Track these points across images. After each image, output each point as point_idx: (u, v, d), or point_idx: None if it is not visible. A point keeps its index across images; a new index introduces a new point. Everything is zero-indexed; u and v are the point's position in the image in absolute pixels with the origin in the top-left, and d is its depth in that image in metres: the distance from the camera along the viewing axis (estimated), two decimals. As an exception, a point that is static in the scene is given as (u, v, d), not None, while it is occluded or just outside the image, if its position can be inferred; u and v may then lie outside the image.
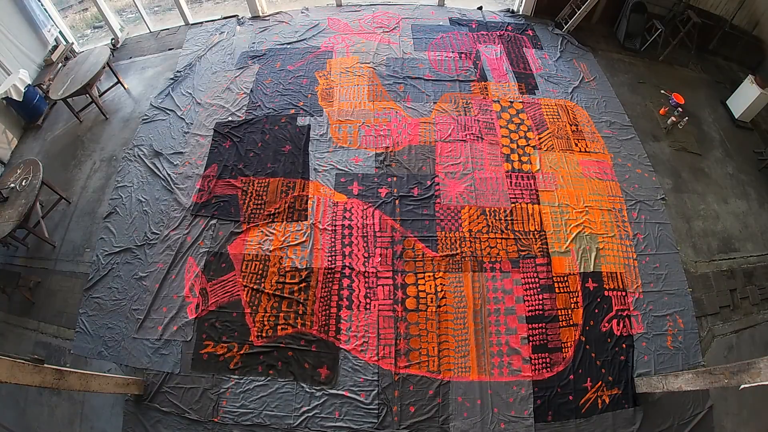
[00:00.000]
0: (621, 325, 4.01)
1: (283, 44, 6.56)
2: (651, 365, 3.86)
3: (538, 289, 4.14)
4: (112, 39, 7.23)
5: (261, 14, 7.19)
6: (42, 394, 3.98)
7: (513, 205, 4.64)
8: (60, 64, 6.60)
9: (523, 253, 4.33)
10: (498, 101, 5.60)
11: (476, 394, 3.67)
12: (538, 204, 4.67)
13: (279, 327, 3.96)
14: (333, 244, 4.41)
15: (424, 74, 5.90)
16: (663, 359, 3.90)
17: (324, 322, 3.97)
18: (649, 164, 5.16)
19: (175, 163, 5.20)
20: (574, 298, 4.13)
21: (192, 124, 5.58)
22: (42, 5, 6.70)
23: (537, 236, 4.45)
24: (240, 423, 3.61)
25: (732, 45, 6.89)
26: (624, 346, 3.93)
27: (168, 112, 5.81)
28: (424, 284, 4.15)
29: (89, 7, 8.13)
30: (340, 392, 3.67)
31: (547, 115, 5.51)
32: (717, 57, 7.06)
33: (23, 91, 5.86)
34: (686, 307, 4.18)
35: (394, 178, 4.83)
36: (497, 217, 4.55)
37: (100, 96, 6.17)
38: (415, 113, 5.44)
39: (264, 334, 3.94)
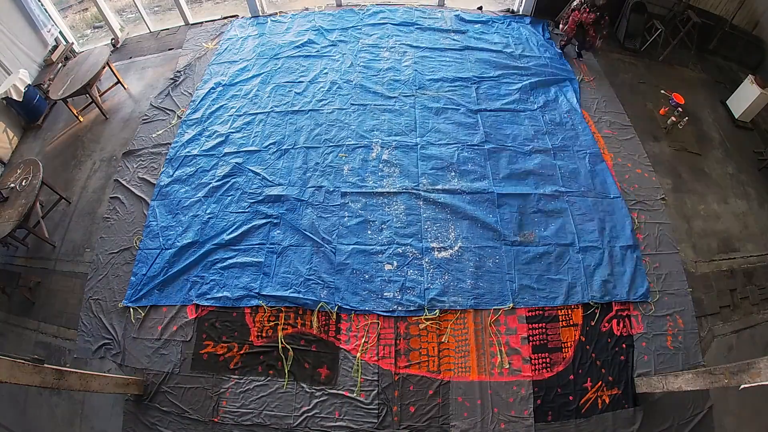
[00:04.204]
0: (621, 325, 4.00)
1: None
2: (651, 365, 3.85)
3: (538, 289, 4.13)
4: (112, 39, 7.23)
5: (261, 14, 7.19)
6: (42, 394, 3.98)
7: (513, 205, 4.63)
8: (60, 64, 6.61)
9: (523, 253, 4.32)
10: (498, 101, 5.59)
11: (476, 394, 3.66)
12: (538, 204, 4.66)
13: (279, 327, 3.97)
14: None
15: (424, 74, 5.89)
16: (663, 359, 3.90)
17: (324, 322, 3.97)
18: (649, 164, 5.16)
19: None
20: (574, 298, 4.12)
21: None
22: (42, 5, 6.69)
23: (537, 236, 4.44)
24: (240, 423, 3.61)
25: (732, 45, 6.88)
26: (624, 346, 3.91)
27: (168, 112, 5.82)
28: (424, 284, 4.14)
29: (89, 7, 8.14)
30: (340, 392, 3.68)
31: (547, 115, 5.50)
32: (717, 57, 7.05)
33: (23, 91, 5.86)
34: (686, 307, 4.17)
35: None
36: (497, 217, 4.54)
37: (100, 96, 6.17)
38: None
39: (264, 334, 3.94)
